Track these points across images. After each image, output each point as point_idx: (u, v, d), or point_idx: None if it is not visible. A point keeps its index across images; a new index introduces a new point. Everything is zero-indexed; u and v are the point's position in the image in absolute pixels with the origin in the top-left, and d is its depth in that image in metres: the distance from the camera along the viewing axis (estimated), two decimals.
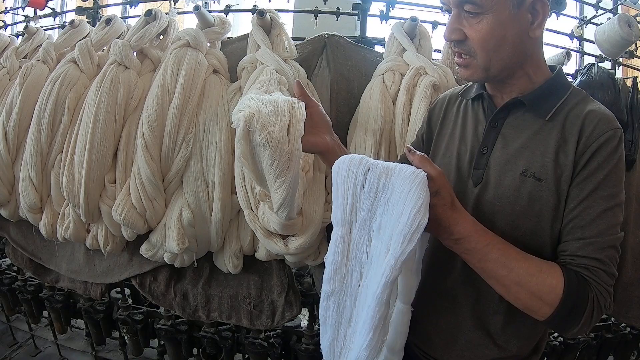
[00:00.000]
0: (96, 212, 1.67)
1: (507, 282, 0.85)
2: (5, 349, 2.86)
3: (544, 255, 0.91)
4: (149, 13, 1.73)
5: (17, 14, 3.10)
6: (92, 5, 2.39)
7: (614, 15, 2.27)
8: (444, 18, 2.03)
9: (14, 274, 2.65)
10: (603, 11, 2.52)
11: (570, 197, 0.90)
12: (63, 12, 2.74)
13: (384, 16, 2.04)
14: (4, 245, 2.25)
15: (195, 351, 2.31)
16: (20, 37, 2.21)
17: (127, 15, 3.66)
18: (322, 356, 0.98)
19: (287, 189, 1.04)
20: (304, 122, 1.01)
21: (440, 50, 1.84)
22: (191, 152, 1.61)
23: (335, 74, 1.73)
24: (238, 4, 2.11)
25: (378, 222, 0.82)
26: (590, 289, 0.84)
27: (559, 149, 0.91)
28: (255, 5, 1.87)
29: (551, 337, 2.21)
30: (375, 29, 2.11)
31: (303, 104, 1.04)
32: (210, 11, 1.90)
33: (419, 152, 0.85)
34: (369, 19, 2.03)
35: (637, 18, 2.25)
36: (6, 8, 3.08)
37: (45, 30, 2.16)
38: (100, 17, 2.25)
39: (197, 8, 1.72)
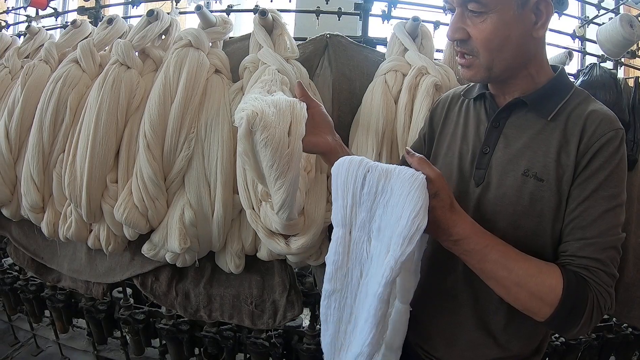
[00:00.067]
0: (98, 212, 1.67)
1: (506, 282, 0.85)
2: (7, 349, 2.87)
3: (545, 256, 0.91)
4: (150, 13, 1.73)
5: (19, 14, 3.10)
6: (94, 5, 2.39)
7: (616, 15, 2.27)
8: (446, 18, 2.04)
9: (16, 273, 2.66)
10: (605, 11, 2.51)
11: (571, 197, 0.90)
12: (65, 12, 2.75)
13: (386, 16, 2.04)
14: (5, 245, 2.25)
15: (196, 351, 2.32)
16: (22, 37, 2.21)
17: (129, 15, 3.67)
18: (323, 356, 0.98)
19: (287, 190, 1.05)
20: (306, 122, 1.02)
21: (442, 50, 1.84)
22: (193, 152, 1.61)
23: (337, 73, 1.73)
24: (240, 4, 2.11)
25: (377, 224, 0.83)
26: (590, 289, 0.84)
27: (561, 149, 0.91)
28: (257, 5, 1.87)
29: (553, 337, 2.21)
30: (377, 28, 2.11)
31: (304, 105, 1.05)
32: (212, 11, 1.90)
33: (417, 154, 0.85)
34: (370, 18, 2.03)
35: (639, 18, 2.24)
36: (8, 8, 3.09)
37: (47, 30, 2.16)
38: (102, 17, 2.25)
39: (199, 8, 1.72)
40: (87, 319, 2.46)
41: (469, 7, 0.90)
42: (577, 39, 2.47)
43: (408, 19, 1.73)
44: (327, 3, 2.08)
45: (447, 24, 1.92)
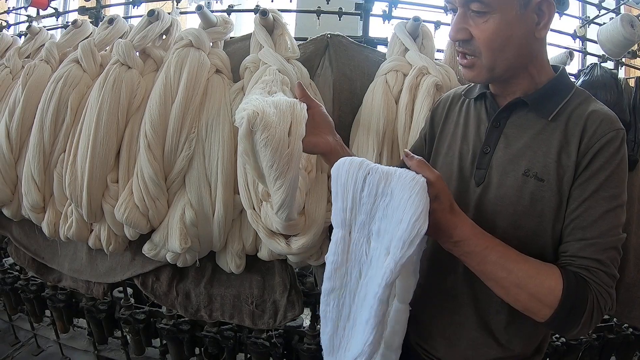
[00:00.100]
0: (99, 212, 1.67)
1: (506, 284, 0.85)
2: (7, 348, 2.87)
3: (546, 256, 0.92)
4: (151, 13, 1.73)
5: (19, 14, 3.10)
6: (94, 5, 2.39)
7: (616, 15, 2.26)
8: (447, 18, 2.04)
9: (17, 273, 2.66)
10: (606, 11, 2.51)
11: (572, 197, 0.90)
12: (66, 12, 2.75)
13: (387, 16, 2.04)
14: (6, 245, 2.25)
15: (197, 351, 2.31)
16: (23, 37, 2.21)
17: (129, 15, 3.67)
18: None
19: (287, 190, 1.05)
20: (306, 123, 1.02)
21: (442, 50, 1.83)
22: (194, 151, 1.61)
23: (337, 73, 1.73)
24: (240, 4, 2.11)
25: (377, 226, 0.83)
26: (590, 290, 0.84)
27: (562, 149, 0.91)
28: (257, 5, 1.87)
29: (553, 337, 2.21)
30: (378, 28, 2.11)
31: (305, 106, 1.05)
32: (212, 11, 1.90)
33: (416, 157, 0.84)
34: (371, 18, 2.03)
35: (639, 18, 2.24)
36: (9, 8, 3.09)
37: (47, 30, 2.16)
38: (103, 17, 2.25)
39: (199, 8, 1.72)
40: (87, 319, 2.46)
41: (472, 7, 0.89)
42: (577, 39, 2.47)
43: (409, 19, 1.73)
44: (327, 3, 2.08)
45: (448, 24, 1.92)
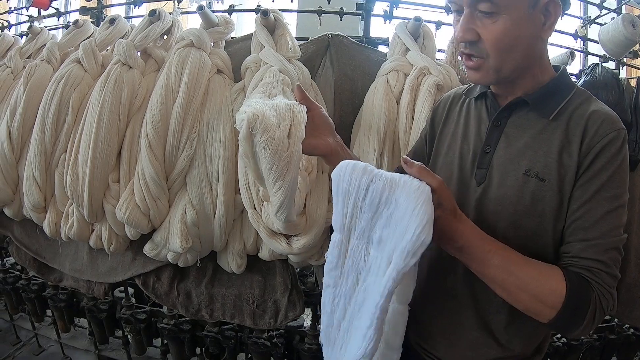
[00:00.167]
0: (100, 212, 1.67)
1: (509, 286, 0.85)
2: (8, 348, 2.87)
3: (547, 256, 0.92)
4: (152, 13, 1.73)
5: (21, 14, 3.11)
6: (96, 5, 2.39)
7: (618, 15, 2.26)
8: (448, 18, 2.03)
9: (18, 272, 2.66)
10: (607, 11, 2.51)
11: (573, 198, 0.90)
12: (67, 12, 2.75)
13: (388, 16, 2.04)
14: (7, 245, 2.25)
15: (198, 350, 2.32)
16: (24, 37, 2.21)
17: (130, 15, 3.66)
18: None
19: (286, 192, 1.06)
20: (306, 125, 1.02)
21: (443, 50, 1.83)
22: (195, 151, 1.61)
23: (338, 73, 1.73)
24: (242, 4, 2.11)
25: (379, 235, 0.82)
26: (592, 290, 0.85)
27: (563, 149, 0.91)
28: (259, 5, 1.87)
29: (554, 337, 2.21)
30: (379, 28, 2.11)
31: (304, 108, 1.05)
32: (214, 11, 1.90)
33: (416, 163, 0.83)
34: (372, 18, 2.02)
35: None
36: (10, 8, 3.08)
37: (49, 30, 2.16)
38: (104, 17, 2.26)
39: (201, 8, 1.72)
40: (88, 319, 2.46)
41: (480, 7, 0.88)
42: (579, 39, 2.46)
43: (410, 19, 1.73)
44: (329, 3, 2.08)
45: (449, 24, 1.93)
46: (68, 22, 2.55)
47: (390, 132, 1.59)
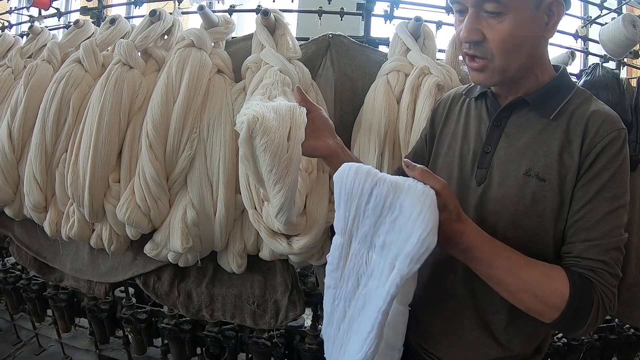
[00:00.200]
0: (100, 212, 1.67)
1: (513, 288, 0.85)
2: (9, 347, 2.87)
3: (547, 255, 0.92)
4: (153, 13, 1.74)
5: (21, 14, 3.11)
6: (96, 6, 2.39)
7: (618, 15, 2.26)
8: (448, 18, 2.04)
9: (18, 272, 2.66)
10: (607, 11, 2.51)
11: (575, 198, 0.90)
12: (67, 12, 2.75)
13: (388, 16, 2.04)
14: (8, 244, 2.25)
15: (198, 350, 2.32)
16: (25, 37, 2.21)
17: (131, 15, 3.67)
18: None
19: (286, 194, 1.06)
20: (305, 127, 1.02)
21: (444, 50, 1.83)
22: (195, 151, 1.61)
23: (339, 73, 1.73)
24: (242, 4, 2.11)
25: (382, 240, 0.80)
26: (595, 290, 0.85)
27: (563, 149, 0.91)
28: (259, 5, 1.87)
29: (555, 337, 2.21)
30: (380, 29, 2.11)
31: (304, 110, 1.04)
32: (214, 11, 1.90)
33: (418, 166, 0.80)
34: (373, 18, 2.02)
35: None
36: (11, 8, 3.09)
37: (49, 30, 2.17)
38: (105, 17, 2.26)
39: (201, 8, 1.73)
40: (89, 319, 2.46)
41: (486, 7, 0.87)
42: (579, 39, 2.46)
43: (410, 19, 1.73)
44: (329, 3, 2.08)
45: (450, 24, 1.93)
46: (69, 22, 2.55)
47: (390, 132, 1.59)
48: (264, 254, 1.71)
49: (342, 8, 2.06)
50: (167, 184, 1.64)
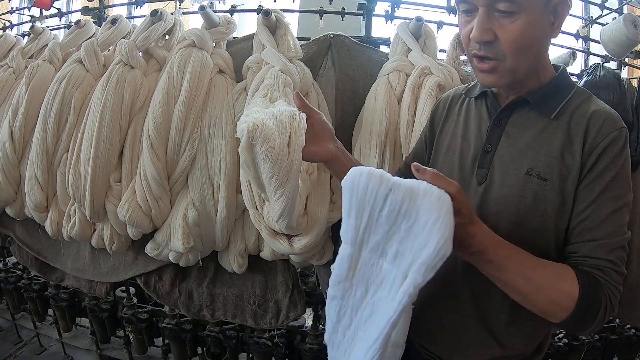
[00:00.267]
0: (102, 211, 1.67)
1: (525, 290, 0.84)
2: (10, 347, 2.88)
3: (548, 255, 0.91)
4: (154, 13, 1.74)
5: (23, 14, 3.12)
6: (97, 6, 2.40)
7: (619, 15, 2.26)
8: (449, 18, 2.04)
9: (20, 272, 2.67)
10: (609, 11, 2.51)
11: (578, 198, 0.90)
12: (69, 12, 2.75)
13: (389, 16, 2.04)
14: (9, 244, 2.26)
15: (199, 350, 2.32)
16: (26, 37, 2.21)
17: (132, 15, 3.67)
18: (326, 356, 0.99)
19: (287, 200, 1.06)
20: (305, 132, 1.02)
21: (445, 50, 1.83)
22: (196, 151, 1.62)
23: (340, 74, 1.73)
24: (243, 4, 2.11)
25: (395, 249, 0.76)
26: (603, 290, 0.85)
27: (565, 149, 0.91)
28: (260, 6, 1.87)
29: (555, 338, 2.21)
30: (381, 29, 2.11)
31: (304, 115, 1.04)
32: (215, 11, 1.90)
33: (429, 169, 0.76)
34: (374, 19, 2.02)
35: None
36: (12, 8, 3.09)
37: (51, 30, 2.17)
38: (106, 17, 2.26)
39: (202, 8, 1.73)
40: (90, 318, 2.46)
41: (499, 7, 0.85)
42: (580, 39, 2.46)
43: (411, 19, 1.73)
44: (330, 3, 2.08)
45: (451, 24, 1.92)
46: (70, 22, 2.55)
47: (391, 132, 1.59)
48: (265, 254, 1.71)
49: (343, 8, 2.05)
50: (168, 184, 1.64)
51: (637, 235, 1.83)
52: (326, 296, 0.94)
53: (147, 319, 2.30)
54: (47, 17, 2.55)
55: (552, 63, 1.01)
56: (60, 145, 1.73)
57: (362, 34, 2.03)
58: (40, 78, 1.80)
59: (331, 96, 1.74)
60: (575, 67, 2.35)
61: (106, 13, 2.42)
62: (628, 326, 2.30)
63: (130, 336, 2.44)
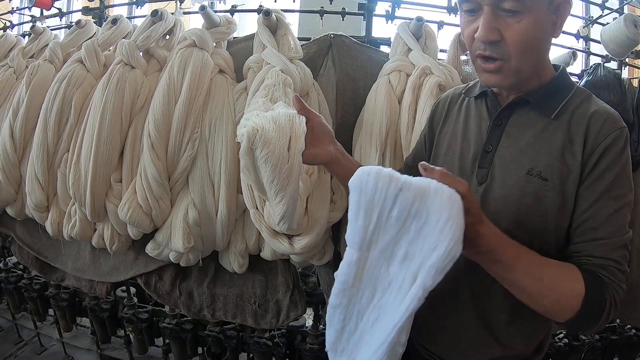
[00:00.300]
0: (102, 211, 1.67)
1: (532, 290, 0.84)
2: (10, 347, 2.88)
3: (549, 254, 0.91)
4: (155, 13, 1.74)
5: (23, 14, 3.12)
6: (98, 6, 2.39)
7: (620, 15, 2.26)
8: (450, 18, 2.04)
9: (20, 272, 2.67)
10: (609, 11, 2.51)
11: (581, 198, 0.90)
12: (69, 12, 2.75)
13: (390, 16, 2.04)
14: (10, 244, 2.26)
15: (200, 350, 2.32)
16: (26, 37, 2.21)
17: (133, 15, 3.67)
18: (326, 356, 0.99)
19: (287, 203, 1.07)
20: (305, 135, 1.02)
21: (446, 50, 1.83)
22: (197, 151, 1.61)
23: (341, 74, 1.73)
24: (244, 4, 2.11)
25: (404, 250, 0.74)
26: (608, 289, 0.85)
27: (565, 148, 0.91)
28: (261, 6, 1.87)
29: (556, 338, 2.21)
30: (381, 29, 2.11)
31: (303, 119, 1.04)
32: (216, 11, 1.90)
33: (437, 168, 0.75)
34: (374, 19, 2.02)
35: None
36: (13, 8, 3.09)
37: (51, 30, 2.17)
38: (107, 17, 2.26)
39: (203, 8, 1.73)
40: (90, 318, 2.46)
41: (505, 6, 0.85)
42: (581, 39, 2.46)
43: (412, 19, 1.73)
44: (331, 3, 2.08)
45: (451, 24, 1.92)
46: (70, 22, 2.55)
47: (392, 132, 1.59)
48: (266, 254, 1.71)
49: (343, 8, 2.05)
50: (168, 184, 1.64)
51: (638, 235, 1.83)
52: (327, 296, 0.93)
53: (147, 319, 2.30)
54: (47, 17, 2.55)
55: (552, 63, 1.01)
56: (60, 145, 1.72)
57: (363, 34, 2.03)
58: (40, 78, 1.80)
59: (332, 96, 1.74)
60: (575, 67, 2.35)
61: (107, 13, 2.42)
62: (628, 326, 2.30)
63: (131, 336, 2.44)
